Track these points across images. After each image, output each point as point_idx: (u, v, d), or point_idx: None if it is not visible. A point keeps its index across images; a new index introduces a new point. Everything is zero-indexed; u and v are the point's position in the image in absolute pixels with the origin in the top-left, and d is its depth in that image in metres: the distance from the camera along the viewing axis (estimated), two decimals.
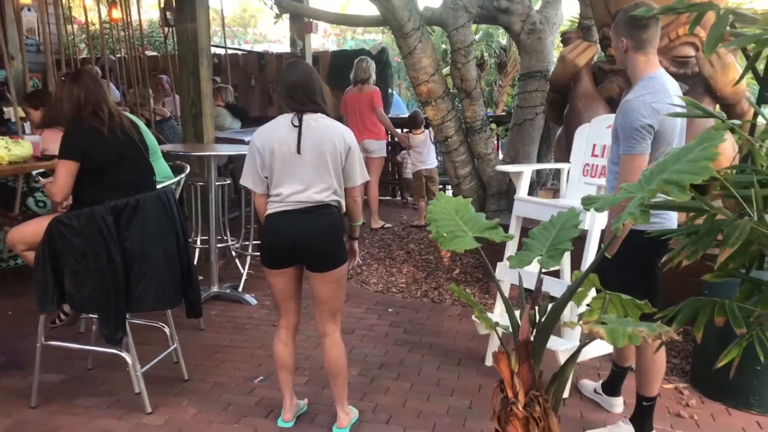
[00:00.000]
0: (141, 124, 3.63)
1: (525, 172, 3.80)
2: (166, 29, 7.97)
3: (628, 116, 2.58)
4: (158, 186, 3.36)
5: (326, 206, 2.78)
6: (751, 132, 3.18)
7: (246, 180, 2.84)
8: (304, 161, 2.72)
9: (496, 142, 8.29)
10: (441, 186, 8.68)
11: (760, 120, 3.32)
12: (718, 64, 4.11)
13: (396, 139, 8.12)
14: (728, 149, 3.73)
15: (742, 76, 2.23)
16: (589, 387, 3.38)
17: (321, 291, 2.84)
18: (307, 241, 2.75)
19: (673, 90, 2.64)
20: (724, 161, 3.63)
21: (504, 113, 10.10)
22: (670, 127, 2.61)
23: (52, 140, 4.55)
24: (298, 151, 2.71)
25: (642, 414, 2.93)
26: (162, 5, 7.63)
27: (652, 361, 2.83)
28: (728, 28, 3.64)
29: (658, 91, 2.59)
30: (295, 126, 2.72)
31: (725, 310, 1.80)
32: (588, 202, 1.64)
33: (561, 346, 3.15)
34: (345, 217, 2.92)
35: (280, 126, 2.77)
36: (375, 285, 5.22)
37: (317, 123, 2.75)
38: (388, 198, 9.04)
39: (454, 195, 6.15)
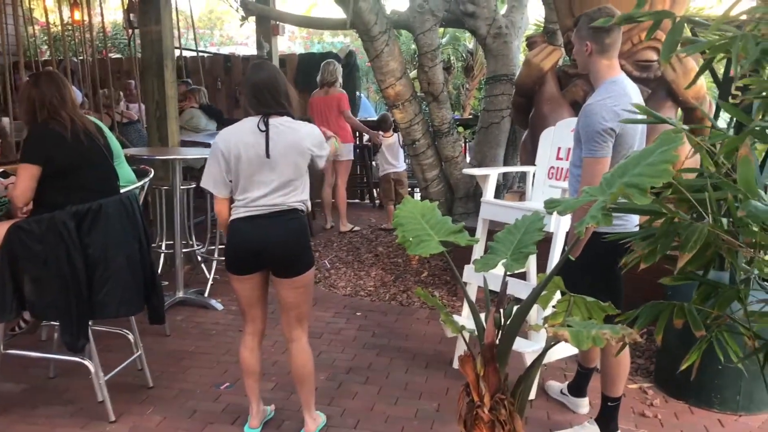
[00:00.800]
0: (106, 128, 3.56)
1: (491, 175, 3.82)
2: (130, 31, 7.86)
3: (591, 119, 2.61)
4: (121, 191, 3.30)
5: (293, 211, 2.76)
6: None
7: (207, 183, 2.79)
8: (273, 166, 2.69)
9: (463, 145, 8.35)
10: (410, 189, 8.70)
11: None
12: (680, 68, 4.18)
13: (365, 141, 8.10)
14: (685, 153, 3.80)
15: (696, 78, 2.25)
16: (556, 388, 3.41)
17: (288, 297, 2.82)
18: (274, 246, 2.73)
19: (634, 94, 2.68)
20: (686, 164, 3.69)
21: (471, 116, 10.17)
22: (632, 131, 2.64)
23: None
24: (267, 156, 2.67)
25: (607, 414, 2.96)
26: (125, 7, 7.52)
27: (616, 362, 2.86)
28: (689, 35, 3.71)
29: (620, 95, 2.62)
30: (262, 130, 2.69)
31: (684, 312, 1.83)
32: (551, 205, 1.65)
33: (527, 348, 3.17)
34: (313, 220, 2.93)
35: (246, 130, 2.73)
36: (343, 288, 5.21)
37: (284, 126, 2.73)
38: (356, 201, 9.03)
39: (422, 198, 6.17)
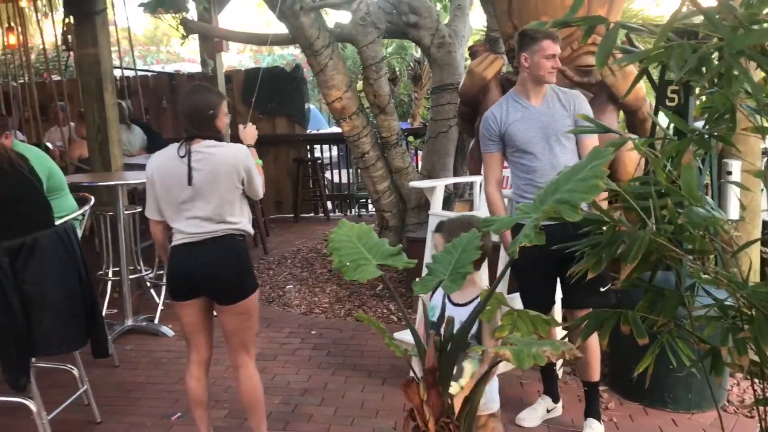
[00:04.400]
0: (34, 156, 3.42)
1: (438, 187, 3.81)
2: (68, 53, 7.65)
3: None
4: (57, 222, 3.18)
5: (229, 237, 2.69)
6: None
7: (149, 211, 2.76)
8: (198, 193, 2.62)
9: (415, 155, 8.37)
10: (364, 200, 8.69)
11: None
12: (619, 72, 4.22)
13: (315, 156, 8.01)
14: (635, 156, 3.85)
15: (633, 85, 2.27)
16: (535, 413, 3.27)
17: (229, 323, 2.74)
18: (210, 274, 2.66)
19: None
20: (632, 168, 3.74)
21: (421, 125, 10.19)
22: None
23: None
24: (189, 183, 2.61)
25: (593, 399, 3.09)
26: (64, 28, 7.32)
27: (586, 348, 2.96)
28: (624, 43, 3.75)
29: None
30: (182, 156, 2.62)
31: (629, 320, 1.84)
32: (486, 224, 1.63)
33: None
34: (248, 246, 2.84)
35: (170, 156, 2.67)
36: (297, 307, 5.13)
37: (208, 151, 2.64)
38: (310, 215, 8.96)
39: (375, 210, 6.16)
